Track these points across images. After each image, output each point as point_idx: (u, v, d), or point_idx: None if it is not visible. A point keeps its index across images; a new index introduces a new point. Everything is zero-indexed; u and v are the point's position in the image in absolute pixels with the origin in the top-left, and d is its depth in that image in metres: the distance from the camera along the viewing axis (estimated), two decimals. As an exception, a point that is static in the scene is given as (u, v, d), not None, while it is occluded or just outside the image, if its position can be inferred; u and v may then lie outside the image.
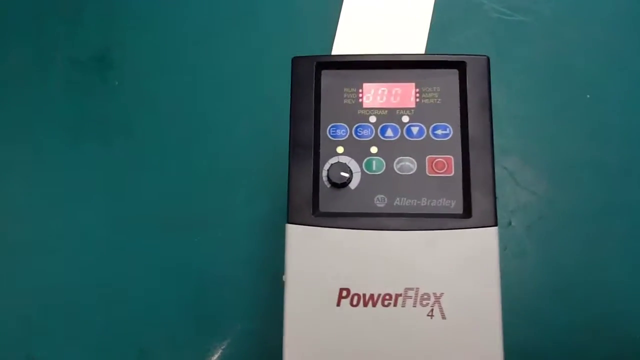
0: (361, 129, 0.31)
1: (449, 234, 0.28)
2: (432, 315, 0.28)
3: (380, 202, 0.30)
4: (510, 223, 0.43)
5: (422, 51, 0.47)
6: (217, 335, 0.42)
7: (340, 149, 0.31)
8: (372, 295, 0.28)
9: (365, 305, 0.28)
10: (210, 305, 0.43)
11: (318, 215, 0.29)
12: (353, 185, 0.30)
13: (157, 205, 0.45)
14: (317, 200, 0.30)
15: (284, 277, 0.41)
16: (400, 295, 0.28)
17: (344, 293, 0.28)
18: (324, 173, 0.31)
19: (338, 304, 0.28)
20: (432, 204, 0.30)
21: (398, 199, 0.30)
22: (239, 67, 0.48)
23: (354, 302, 0.28)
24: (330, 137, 0.31)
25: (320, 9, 0.48)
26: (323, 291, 0.28)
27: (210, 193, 0.45)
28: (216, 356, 0.41)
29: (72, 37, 0.50)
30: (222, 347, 0.42)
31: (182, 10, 0.50)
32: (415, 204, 0.30)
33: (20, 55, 0.50)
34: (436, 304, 0.28)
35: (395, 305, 0.28)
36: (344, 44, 0.46)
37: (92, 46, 0.49)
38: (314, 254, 0.29)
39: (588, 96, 0.46)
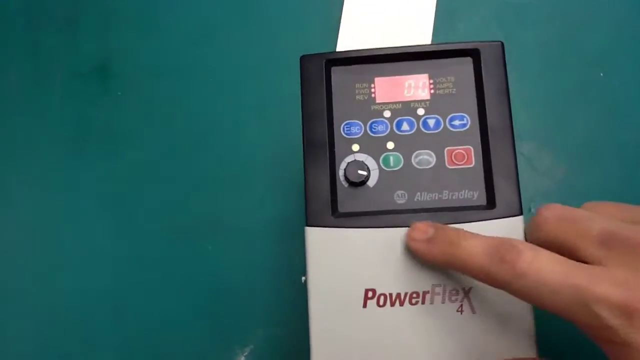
0: (376, 124, 0.31)
1: (474, 226, 0.27)
2: (461, 311, 0.27)
3: (400, 198, 0.29)
4: (530, 210, 0.42)
5: (429, 41, 0.46)
6: (238, 342, 0.41)
7: (355, 147, 0.30)
8: (398, 295, 0.27)
9: (393, 305, 0.27)
10: (230, 313, 0.42)
11: (337, 216, 0.29)
12: (371, 183, 0.30)
13: (169, 213, 0.45)
14: (335, 201, 0.29)
15: (303, 278, 0.41)
16: (428, 292, 0.27)
17: (370, 294, 0.28)
18: (341, 172, 0.30)
19: (364, 306, 0.27)
20: (454, 197, 0.29)
21: (419, 194, 0.29)
22: (242, 66, 0.47)
23: (381, 303, 0.27)
24: (345, 135, 0.31)
25: (323, 6, 0.48)
26: (348, 293, 0.28)
27: (222, 197, 0.45)
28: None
29: (70, 48, 0.49)
30: (245, 354, 0.41)
31: (181, 12, 0.49)
32: (436, 197, 0.29)
33: (18, 69, 0.49)
34: (465, 299, 0.27)
35: (423, 302, 0.27)
36: (348, 40, 0.45)
37: (90, 55, 0.49)
38: (336, 256, 0.28)
39: (602, 74, 0.45)
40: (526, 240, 0.27)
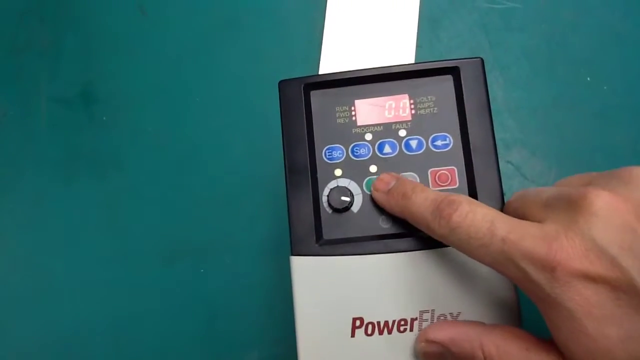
0: (357, 148, 0.30)
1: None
2: None
3: (385, 222, 0.29)
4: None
5: (413, 56, 0.45)
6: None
7: (338, 172, 0.30)
8: (386, 322, 0.27)
9: (381, 333, 0.27)
10: (224, 335, 0.42)
11: (322, 243, 0.29)
12: (355, 208, 0.29)
13: (159, 237, 0.44)
14: (319, 228, 0.29)
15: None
16: (416, 319, 0.27)
17: (357, 322, 0.27)
18: (324, 198, 0.30)
19: (352, 335, 0.27)
20: (439, 220, 0.29)
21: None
22: (226, 87, 0.47)
23: (369, 332, 0.27)
24: (327, 160, 0.30)
25: (305, 25, 0.47)
26: (335, 323, 0.27)
27: (211, 220, 0.44)
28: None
29: (52, 74, 0.49)
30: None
31: (163, 34, 0.49)
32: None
33: (1, 95, 0.49)
34: (454, 324, 0.27)
35: (411, 330, 0.27)
36: (330, 60, 0.45)
37: (74, 80, 0.48)
38: (322, 285, 0.28)
39: (588, 79, 0.44)
40: None
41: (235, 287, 0.43)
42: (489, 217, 0.23)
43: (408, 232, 0.28)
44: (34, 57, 0.50)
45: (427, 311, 0.27)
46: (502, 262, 0.22)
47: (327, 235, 0.29)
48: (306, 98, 0.31)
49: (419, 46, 0.46)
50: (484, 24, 0.46)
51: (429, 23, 0.46)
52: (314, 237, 0.28)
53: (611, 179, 0.23)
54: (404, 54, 0.45)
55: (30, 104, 0.48)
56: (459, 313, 0.27)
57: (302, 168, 0.30)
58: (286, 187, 0.30)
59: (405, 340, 0.27)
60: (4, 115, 0.48)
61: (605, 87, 0.44)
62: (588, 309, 0.20)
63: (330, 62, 0.45)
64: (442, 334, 0.26)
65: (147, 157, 0.46)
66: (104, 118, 0.47)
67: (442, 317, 0.27)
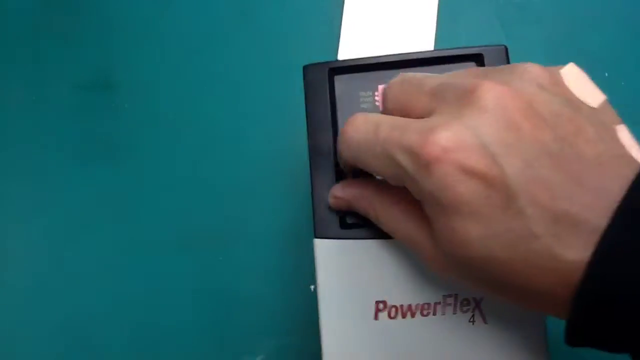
0: (381, 133, 0.30)
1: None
2: (473, 321, 0.27)
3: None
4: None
5: (432, 45, 0.45)
6: (250, 352, 0.41)
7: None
8: (409, 306, 0.27)
9: (404, 316, 0.27)
10: (240, 323, 0.42)
11: (345, 227, 0.29)
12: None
13: (176, 223, 0.44)
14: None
15: (312, 287, 0.41)
16: (439, 303, 0.27)
17: (381, 306, 0.27)
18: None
19: (376, 318, 0.27)
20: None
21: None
22: (245, 75, 0.47)
23: (392, 315, 0.27)
24: (351, 144, 0.30)
25: (323, 12, 0.47)
26: (359, 306, 0.27)
27: (228, 208, 0.44)
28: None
29: (72, 60, 0.49)
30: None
31: (182, 22, 0.49)
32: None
33: (20, 83, 0.49)
34: (476, 309, 0.27)
35: (434, 314, 0.27)
36: (349, 48, 0.45)
37: (92, 67, 0.48)
38: (345, 268, 0.28)
39: (606, 74, 0.44)
40: None
41: (253, 275, 0.43)
42: (374, 120, 0.23)
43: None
44: (54, 42, 0.50)
45: (450, 296, 0.27)
46: (385, 162, 0.22)
47: (350, 218, 0.29)
48: (330, 83, 0.31)
49: (435, 40, 0.46)
50: (500, 16, 0.46)
51: (446, 14, 0.46)
52: (337, 221, 0.28)
53: (504, 73, 0.22)
54: (423, 42, 0.45)
55: (48, 88, 0.48)
56: (481, 298, 0.27)
57: (326, 151, 0.30)
58: (310, 170, 0.30)
59: (429, 324, 0.27)
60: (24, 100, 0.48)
61: (623, 83, 0.44)
62: (458, 203, 0.20)
63: (349, 49, 0.45)
64: (346, 193, 0.27)
65: (165, 144, 0.46)
66: (125, 105, 0.47)
67: (465, 302, 0.27)
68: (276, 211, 0.43)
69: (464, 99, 0.21)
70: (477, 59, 0.30)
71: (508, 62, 0.30)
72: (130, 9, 0.49)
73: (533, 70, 0.21)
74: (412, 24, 0.46)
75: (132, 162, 0.46)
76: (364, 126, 0.24)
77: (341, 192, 0.27)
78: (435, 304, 0.27)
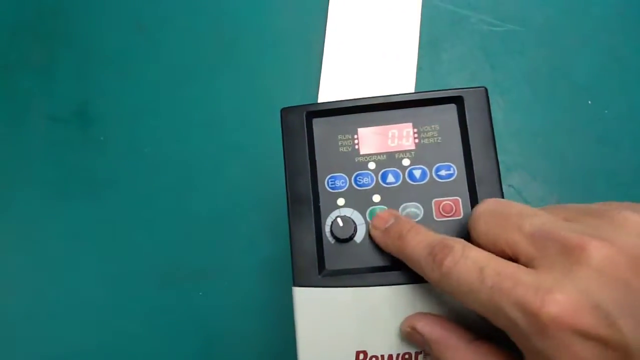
0: (361, 177, 0.30)
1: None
2: None
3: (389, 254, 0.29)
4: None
5: (414, 79, 0.45)
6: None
7: (341, 201, 0.30)
8: (390, 356, 0.27)
9: (384, 367, 0.27)
10: (220, 355, 0.42)
11: (325, 274, 0.28)
12: (358, 238, 0.29)
13: (155, 259, 0.44)
14: (322, 259, 0.29)
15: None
16: (420, 352, 0.27)
17: (361, 356, 0.27)
18: (327, 229, 0.29)
19: (356, 370, 0.27)
20: (443, 251, 0.28)
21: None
22: (224, 109, 0.47)
23: (372, 366, 0.27)
24: (330, 189, 0.30)
25: (304, 47, 0.47)
26: (339, 356, 0.27)
27: (209, 242, 0.44)
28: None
29: (47, 93, 0.49)
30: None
31: (161, 53, 0.49)
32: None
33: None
34: None
35: (416, 362, 0.27)
36: (329, 89, 0.45)
37: (69, 99, 0.48)
38: (325, 317, 0.27)
39: (590, 102, 0.44)
40: None
41: (234, 310, 0.42)
42: (480, 262, 0.22)
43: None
44: (28, 75, 0.49)
45: (431, 345, 0.27)
46: (492, 310, 0.22)
47: (329, 265, 0.29)
48: (308, 126, 0.30)
49: (419, 69, 0.46)
50: (484, 47, 0.46)
51: (430, 46, 0.46)
52: (317, 268, 0.28)
53: (603, 223, 0.22)
54: (404, 77, 0.45)
55: (24, 122, 0.48)
56: (463, 347, 0.27)
57: (304, 197, 0.29)
58: (288, 217, 0.29)
59: (410, 375, 0.27)
60: None
61: (606, 111, 0.44)
62: None
63: (329, 92, 0.45)
64: (429, 331, 0.25)
65: (143, 178, 0.46)
66: (101, 138, 0.47)
67: (446, 352, 0.27)
68: (258, 245, 0.43)
69: (572, 256, 0.21)
70: (457, 101, 0.30)
71: (488, 104, 0.30)
72: (106, 39, 0.49)
73: (633, 220, 0.21)
74: (393, 65, 0.46)
75: (109, 195, 0.46)
76: (465, 266, 0.23)
77: (424, 329, 0.25)
78: (417, 353, 0.27)
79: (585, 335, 0.20)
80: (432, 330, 0.25)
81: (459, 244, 0.24)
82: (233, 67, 0.47)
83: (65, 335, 0.43)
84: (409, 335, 0.26)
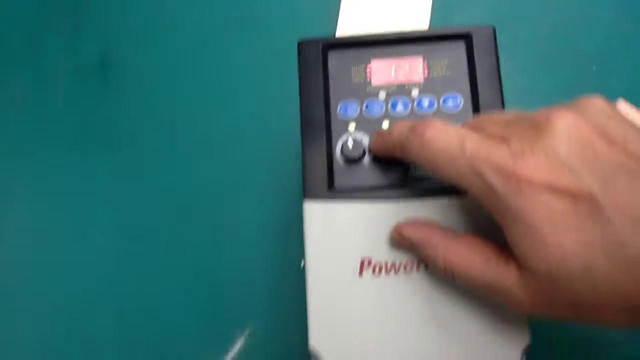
0: (371, 105, 0.32)
1: (467, 201, 0.28)
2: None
3: (395, 174, 0.30)
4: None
5: (426, 26, 0.47)
6: (236, 331, 0.42)
7: (351, 127, 0.31)
8: (393, 264, 0.28)
9: (388, 273, 0.28)
10: (228, 305, 0.43)
11: (334, 190, 0.30)
12: (367, 160, 0.31)
13: (168, 210, 0.45)
14: (332, 177, 0.30)
15: (302, 262, 0.42)
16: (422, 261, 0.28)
17: (366, 263, 0.28)
18: (337, 150, 0.31)
19: (360, 274, 0.28)
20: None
21: (413, 170, 0.30)
22: (242, 64, 0.48)
23: (376, 271, 0.28)
24: (341, 116, 0.32)
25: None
26: (344, 263, 0.29)
27: (222, 194, 0.45)
28: (237, 349, 0.42)
29: (72, 50, 0.50)
30: (243, 339, 0.42)
31: (182, 11, 0.50)
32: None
33: (19, 69, 0.50)
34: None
35: (417, 270, 0.28)
36: (347, 27, 0.47)
37: (92, 54, 0.50)
38: (333, 228, 0.29)
39: (594, 68, 0.46)
40: None
41: (242, 258, 0.44)
42: (460, 134, 0.25)
43: (417, 183, 0.30)
44: (54, 30, 0.51)
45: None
46: (468, 176, 0.24)
47: (339, 183, 0.30)
48: (324, 58, 0.32)
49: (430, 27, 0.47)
50: (494, 11, 0.48)
51: (442, 7, 0.48)
52: (327, 185, 0.30)
53: (571, 106, 0.24)
54: (419, 16, 0.47)
55: (48, 76, 0.50)
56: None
57: (317, 122, 0.31)
58: (302, 140, 0.31)
59: (411, 279, 0.28)
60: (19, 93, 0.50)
61: (611, 78, 0.45)
62: (549, 220, 0.22)
63: (347, 28, 0.47)
64: (413, 234, 0.27)
65: (160, 131, 0.47)
66: (121, 93, 0.48)
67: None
68: (268, 197, 0.44)
69: (539, 127, 0.23)
70: (466, 39, 0.32)
71: (495, 42, 0.32)
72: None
73: (598, 102, 0.24)
74: (409, 7, 0.48)
75: (128, 149, 0.47)
76: (445, 136, 0.25)
77: (409, 233, 0.28)
78: (418, 261, 0.28)
79: (557, 190, 0.22)
80: (415, 232, 0.27)
81: (439, 120, 0.26)
82: (251, 19, 0.49)
83: (79, 282, 0.45)
84: (397, 242, 0.28)
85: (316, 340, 0.28)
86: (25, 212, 0.47)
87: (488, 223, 0.26)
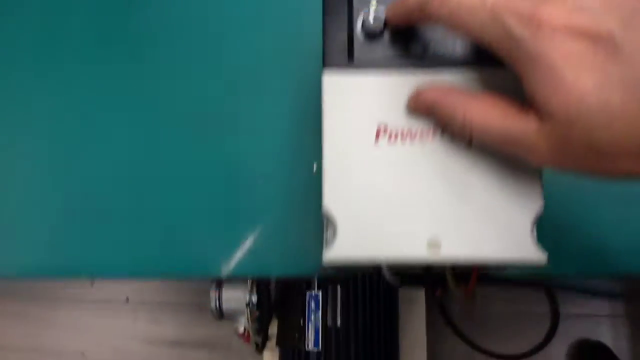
0: (394, -20, 0.31)
1: (489, 71, 0.28)
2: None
3: (416, 49, 0.30)
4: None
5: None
6: (249, 223, 0.42)
7: (373, 2, 0.31)
8: (410, 131, 0.28)
9: (404, 140, 0.28)
10: (243, 198, 0.43)
11: (353, 61, 0.30)
12: (387, 35, 0.31)
13: (188, 108, 0.46)
14: (352, 49, 0.30)
15: (315, 166, 0.42)
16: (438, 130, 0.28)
17: (382, 130, 0.28)
18: (359, 24, 0.31)
19: (376, 141, 0.28)
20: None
21: (432, 45, 0.30)
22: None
23: (392, 138, 0.28)
24: (363, -9, 0.31)
25: None
26: (361, 129, 0.29)
27: (239, 93, 0.45)
28: (248, 242, 0.42)
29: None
30: (255, 234, 0.42)
31: None
32: (451, 49, 0.30)
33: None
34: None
35: (433, 138, 0.28)
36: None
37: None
38: (350, 97, 0.29)
39: None
40: None
41: (258, 152, 0.44)
42: None
43: (435, 57, 0.30)
44: None
45: (449, 124, 0.28)
46: (489, 26, 0.24)
47: (358, 55, 0.30)
48: None
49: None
50: None
51: None
52: (346, 55, 0.30)
53: None
54: None
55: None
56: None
57: None
58: (323, 13, 0.31)
59: (426, 147, 0.28)
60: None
61: None
62: (569, 59, 0.22)
63: None
64: (432, 94, 0.28)
65: (179, 34, 0.47)
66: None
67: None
68: (286, 98, 0.45)
69: None
70: None
71: None
72: None
73: None
74: None
75: (149, 50, 0.48)
76: None
77: (428, 93, 0.28)
78: (435, 129, 0.28)
79: (576, 32, 0.22)
80: (434, 92, 0.28)
81: None
82: None
83: (96, 173, 0.45)
84: (415, 105, 0.28)
85: (330, 201, 0.28)
86: (48, 115, 0.48)
87: (506, 92, 0.26)
